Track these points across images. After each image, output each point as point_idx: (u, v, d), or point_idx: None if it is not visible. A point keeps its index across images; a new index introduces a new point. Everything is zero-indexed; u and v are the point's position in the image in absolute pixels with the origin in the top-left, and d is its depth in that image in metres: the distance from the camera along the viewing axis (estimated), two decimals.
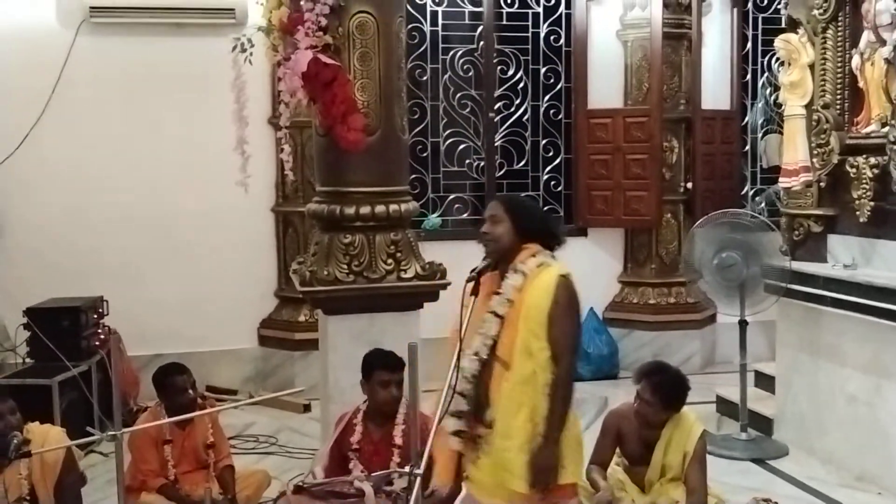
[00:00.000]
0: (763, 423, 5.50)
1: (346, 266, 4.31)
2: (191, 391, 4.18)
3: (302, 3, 4.18)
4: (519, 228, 3.09)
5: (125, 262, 6.21)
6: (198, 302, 6.37)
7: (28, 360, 5.47)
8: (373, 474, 3.53)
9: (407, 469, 2.59)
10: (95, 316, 5.71)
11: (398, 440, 3.71)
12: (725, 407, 5.87)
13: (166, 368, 4.30)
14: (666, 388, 3.99)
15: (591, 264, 7.05)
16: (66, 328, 5.44)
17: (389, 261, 4.37)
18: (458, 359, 2.88)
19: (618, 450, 4.19)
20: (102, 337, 5.61)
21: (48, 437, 3.60)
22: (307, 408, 6.02)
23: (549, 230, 3.19)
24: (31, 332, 5.41)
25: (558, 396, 3.04)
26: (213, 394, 6.16)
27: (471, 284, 2.97)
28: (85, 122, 6.14)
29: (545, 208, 7.14)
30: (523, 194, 6.83)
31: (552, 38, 7.07)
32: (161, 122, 6.23)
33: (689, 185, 7.03)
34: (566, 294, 3.04)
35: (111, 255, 6.19)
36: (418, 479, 2.50)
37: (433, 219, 6.90)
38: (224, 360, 6.43)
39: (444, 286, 4.37)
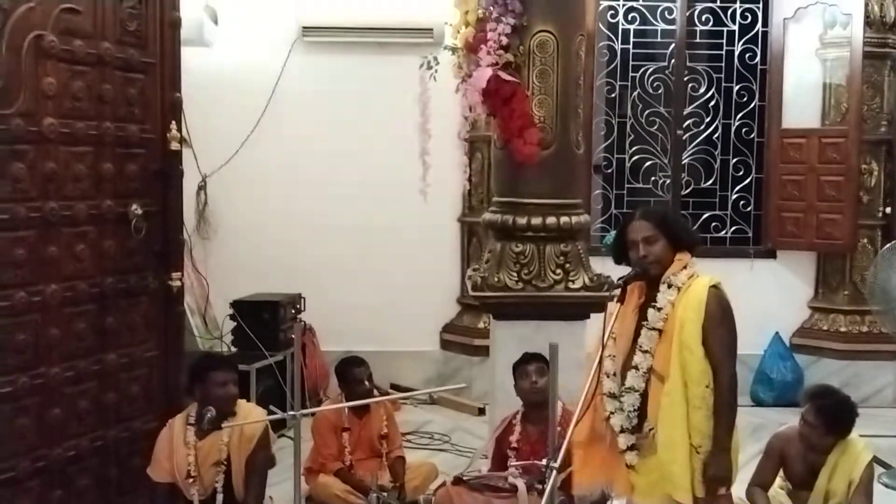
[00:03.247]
0: None
1: (516, 274, 4.50)
2: (367, 382, 4.50)
3: (487, 23, 4.42)
4: (674, 242, 3.17)
5: (323, 264, 6.64)
6: (386, 304, 6.72)
7: (232, 347, 6.01)
8: (520, 464, 3.68)
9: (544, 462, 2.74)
10: (293, 311, 6.19)
11: None
12: None
13: (347, 360, 4.65)
14: (830, 412, 3.91)
15: (779, 287, 6.89)
16: (267, 321, 5.92)
17: (558, 271, 4.52)
18: (600, 362, 3.00)
19: (781, 472, 4.14)
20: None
21: (251, 414, 4.00)
22: (482, 411, 6.24)
23: (694, 237, 3.26)
24: (237, 322, 5.94)
25: (724, 405, 3.10)
26: (395, 391, 6.52)
27: (617, 291, 3.08)
28: (294, 133, 6.66)
29: (733, 228, 7.06)
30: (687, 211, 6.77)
31: (747, 55, 6.97)
32: (362, 135, 6.66)
33: (888, 209, 6.73)
34: (718, 304, 3.09)
35: (311, 256, 6.63)
36: (554, 472, 2.65)
37: (614, 234, 6.96)
38: (407, 361, 6.76)
39: (612, 298, 4.45)
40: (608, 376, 3.22)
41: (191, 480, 3.88)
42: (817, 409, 3.88)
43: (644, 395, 3.20)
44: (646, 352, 3.17)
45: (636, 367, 3.18)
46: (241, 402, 4.08)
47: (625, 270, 3.28)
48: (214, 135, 6.33)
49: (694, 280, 3.12)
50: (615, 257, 3.34)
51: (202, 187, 6.56)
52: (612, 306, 3.10)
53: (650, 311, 3.17)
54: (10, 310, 3.60)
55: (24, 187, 3.63)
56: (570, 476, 3.34)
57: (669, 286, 3.15)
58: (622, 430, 3.23)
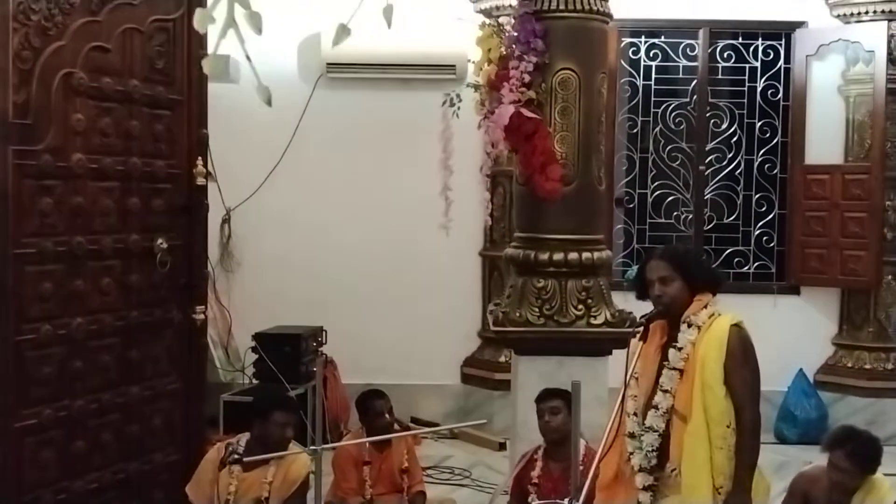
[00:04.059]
0: None
1: (537, 309, 4.50)
2: (387, 416, 4.50)
3: (509, 61, 4.47)
4: (691, 283, 3.16)
5: (345, 298, 6.66)
6: (407, 338, 6.73)
7: (254, 380, 6.04)
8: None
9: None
10: (315, 344, 6.21)
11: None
12: None
13: (367, 393, 4.66)
14: (862, 454, 3.86)
15: (803, 324, 6.83)
16: (289, 353, 5.95)
17: (580, 306, 4.51)
18: (623, 400, 2.99)
19: None
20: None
21: (297, 460, 3.98)
22: (503, 446, 6.21)
23: (715, 276, 3.24)
24: (258, 355, 5.97)
25: (746, 445, 3.08)
26: (416, 425, 6.51)
27: (640, 330, 3.08)
28: (318, 168, 6.72)
29: (756, 264, 7.03)
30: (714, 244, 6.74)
31: (769, 92, 6.98)
32: (384, 170, 6.71)
33: None
34: (740, 344, 3.08)
35: (333, 290, 6.66)
36: None
37: (636, 269, 6.95)
38: (428, 395, 6.75)
39: (634, 334, 4.45)
40: (629, 416, 3.20)
41: None
42: (849, 453, 3.81)
43: (665, 436, 3.19)
44: (666, 391, 3.16)
45: (656, 407, 3.17)
46: (293, 445, 4.08)
47: (647, 306, 3.28)
48: (239, 169, 6.41)
49: (715, 319, 3.11)
50: (638, 293, 3.34)
51: (226, 220, 6.62)
52: (635, 344, 3.09)
53: (671, 351, 3.16)
54: (36, 343, 3.65)
55: (52, 222, 3.70)
56: None
57: (690, 325, 3.14)
58: (640, 470, 3.21)
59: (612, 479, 3.27)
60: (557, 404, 3.93)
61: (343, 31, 1.64)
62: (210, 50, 4.29)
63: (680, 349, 3.14)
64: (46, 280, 3.68)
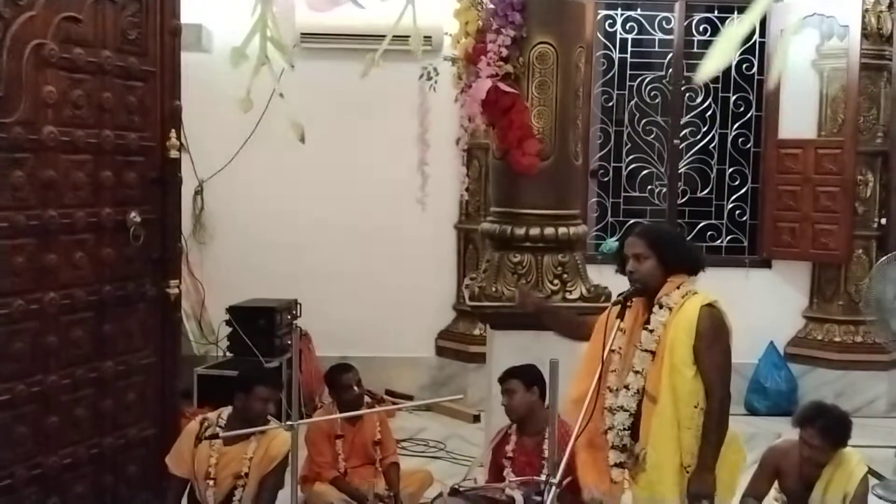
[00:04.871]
0: None
1: (513, 284, 4.51)
2: (356, 388, 4.50)
3: (487, 34, 4.44)
4: (665, 263, 3.17)
5: (319, 270, 6.64)
6: (382, 310, 6.73)
7: (228, 353, 6.01)
8: (518, 480, 3.70)
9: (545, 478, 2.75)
10: (289, 317, 6.19)
11: (547, 452, 3.87)
12: None
13: (335, 368, 4.67)
14: (833, 430, 3.92)
15: (774, 297, 6.91)
16: (263, 326, 5.92)
17: (556, 281, 4.53)
18: (600, 379, 3.02)
19: (776, 484, 4.16)
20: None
21: (277, 437, 3.98)
22: (477, 418, 6.25)
23: (693, 259, 3.25)
24: (232, 328, 5.94)
25: (712, 425, 3.12)
26: (390, 397, 6.53)
27: (616, 308, 3.09)
28: (291, 140, 6.61)
29: (728, 237, 7.08)
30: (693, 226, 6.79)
31: (744, 66, 6.99)
32: (358, 142, 6.66)
33: (884, 220, 6.76)
34: (710, 324, 3.09)
35: (307, 262, 6.63)
36: (552, 489, 2.66)
37: (611, 242, 6.99)
38: (403, 367, 6.77)
39: (610, 311, 4.48)
40: (610, 391, 3.23)
41: (211, 483, 3.89)
42: (819, 430, 3.87)
43: (636, 416, 3.23)
44: (637, 372, 3.20)
45: (627, 387, 3.21)
46: (273, 422, 4.09)
47: (623, 281, 3.29)
48: (211, 139, 6.33)
49: (688, 299, 3.13)
50: (618, 267, 3.36)
51: (199, 192, 6.56)
52: (613, 321, 3.10)
53: (643, 333, 3.19)
54: (9, 318, 3.61)
55: (24, 195, 3.64)
56: (576, 480, 3.35)
57: (661, 307, 3.16)
58: (613, 447, 3.25)
59: (587, 441, 3.30)
60: (512, 385, 3.96)
61: (371, 62, 1.65)
62: (182, 18, 4.22)
63: (651, 331, 3.16)
64: (18, 254, 3.63)
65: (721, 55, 0.73)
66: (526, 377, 3.96)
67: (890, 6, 6.60)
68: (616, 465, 3.28)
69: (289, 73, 6.96)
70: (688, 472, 3.14)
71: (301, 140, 1.07)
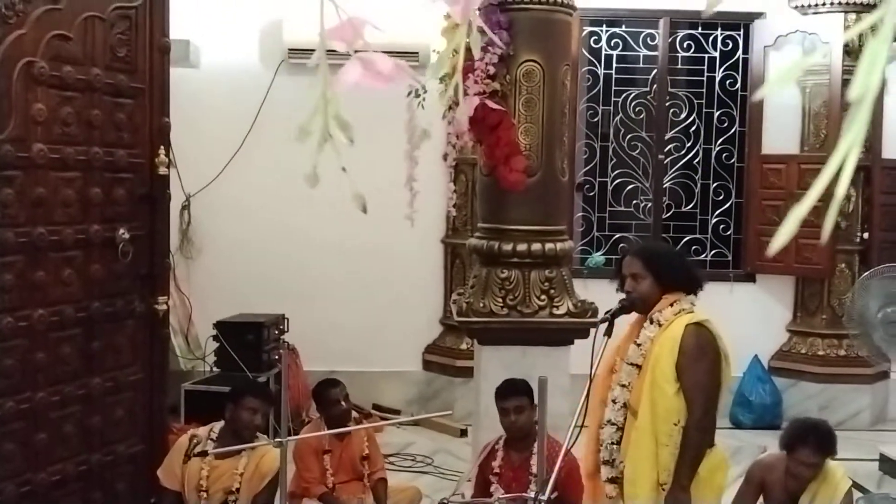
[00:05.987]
0: None
1: (501, 300, 4.54)
2: (343, 403, 4.50)
3: (474, 52, 4.47)
4: (661, 282, 3.19)
5: (307, 285, 6.65)
6: (369, 325, 6.74)
7: (215, 368, 6.00)
8: (507, 497, 3.71)
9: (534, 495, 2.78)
10: (277, 332, 6.20)
11: (535, 468, 3.88)
12: (889, 466, 5.66)
13: (322, 383, 4.66)
14: (827, 444, 3.93)
15: (759, 311, 6.97)
16: (250, 341, 5.92)
17: (543, 297, 4.56)
18: (588, 396, 3.04)
19: (761, 499, 4.18)
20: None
21: (267, 454, 3.98)
22: (464, 433, 6.27)
23: (689, 277, 3.27)
24: (220, 343, 5.94)
25: (689, 443, 3.12)
26: (377, 412, 6.54)
27: (604, 325, 3.12)
28: (278, 155, 6.67)
29: (713, 252, 7.13)
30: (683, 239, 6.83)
31: (728, 82, 7.07)
32: (345, 157, 6.66)
33: (866, 235, 6.84)
34: (695, 342, 3.10)
35: (295, 277, 6.64)
36: None
37: (596, 257, 7.04)
38: (390, 381, 6.78)
39: (595, 324, 4.50)
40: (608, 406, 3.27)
41: (203, 495, 3.89)
42: (816, 447, 3.86)
43: (623, 430, 3.25)
44: (623, 386, 3.22)
45: (614, 401, 3.23)
46: (263, 437, 4.10)
47: (612, 295, 3.32)
48: (199, 154, 6.34)
49: (678, 317, 3.15)
50: (618, 286, 3.36)
51: (186, 207, 6.56)
52: (601, 338, 3.12)
53: (631, 347, 3.21)
54: None
55: (13, 212, 3.65)
56: (562, 496, 3.37)
57: (652, 322, 3.19)
58: (604, 462, 3.27)
59: (592, 468, 3.32)
60: (522, 403, 3.92)
61: (424, 134, 1.67)
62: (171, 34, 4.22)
63: (639, 345, 3.19)
64: (7, 271, 3.64)
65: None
66: (531, 392, 3.94)
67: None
68: (608, 480, 3.29)
69: (277, 88, 6.99)
70: (664, 490, 3.15)
71: (363, 210, 1.08)
